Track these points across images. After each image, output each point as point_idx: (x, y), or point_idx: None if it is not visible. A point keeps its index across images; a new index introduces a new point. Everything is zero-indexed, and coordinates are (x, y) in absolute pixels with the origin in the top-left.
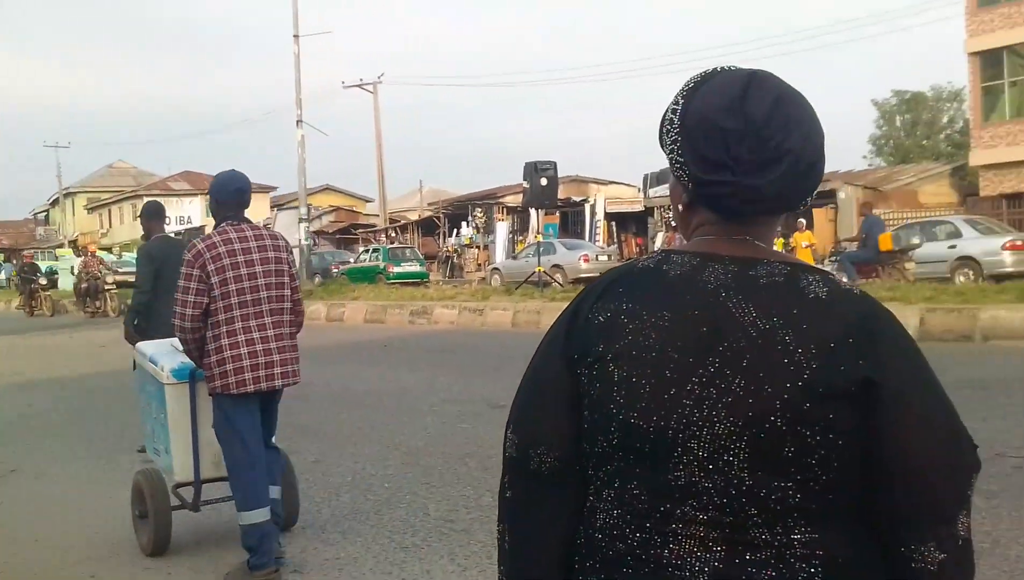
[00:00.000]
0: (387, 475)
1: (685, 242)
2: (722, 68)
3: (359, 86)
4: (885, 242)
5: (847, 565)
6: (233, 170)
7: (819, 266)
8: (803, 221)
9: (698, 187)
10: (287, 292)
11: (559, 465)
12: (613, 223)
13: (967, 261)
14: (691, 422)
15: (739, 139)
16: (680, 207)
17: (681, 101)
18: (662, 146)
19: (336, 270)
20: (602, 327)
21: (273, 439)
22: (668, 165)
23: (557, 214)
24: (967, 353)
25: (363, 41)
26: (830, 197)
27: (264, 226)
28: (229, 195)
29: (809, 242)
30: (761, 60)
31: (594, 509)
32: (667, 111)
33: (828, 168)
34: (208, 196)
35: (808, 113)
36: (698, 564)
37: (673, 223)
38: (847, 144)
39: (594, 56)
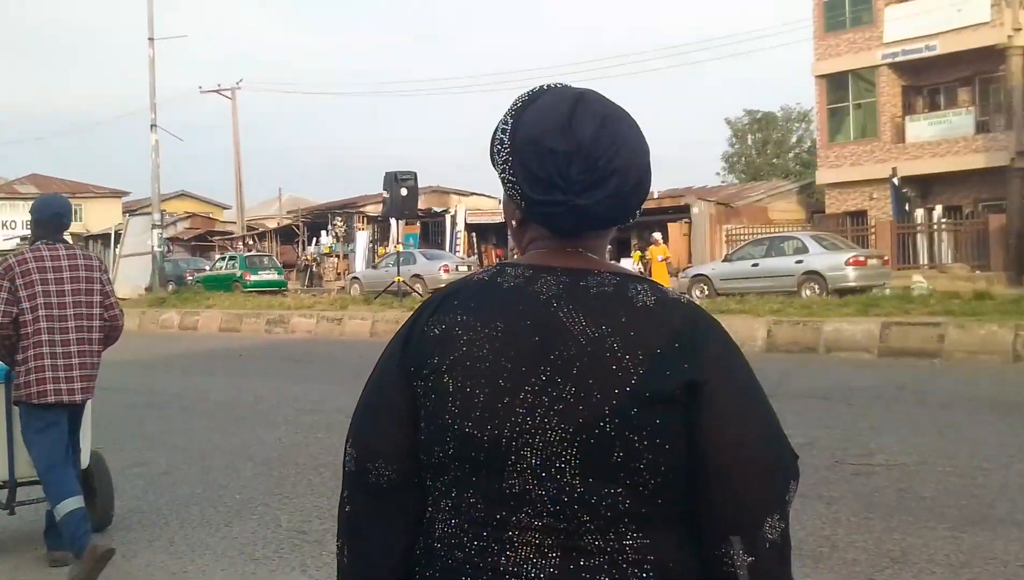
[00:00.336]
0: (239, 486)
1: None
2: (549, 87)
3: (217, 91)
4: None
5: (678, 569)
6: (55, 194)
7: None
8: (658, 235)
9: (531, 206)
10: (96, 310)
11: (398, 478)
12: (474, 234)
13: (813, 275)
14: (524, 430)
15: (568, 160)
16: (514, 223)
17: (510, 121)
18: (494, 165)
19: (191, 278)
20: (438, 339)
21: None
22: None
23: (418, 224)
24: (811, 364)
25: (222, 48)
26: (684, 212)
27: (79, 247)
28: (47, 217)
29: (664, 256)
30: (621, 76)
31: (432, 519)
32: (497, 130)
33: (683, 184)
34: (29, 216)
35: (634, 132)
36: (534, 571)
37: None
38: (702, 161)
39: (458, 67)
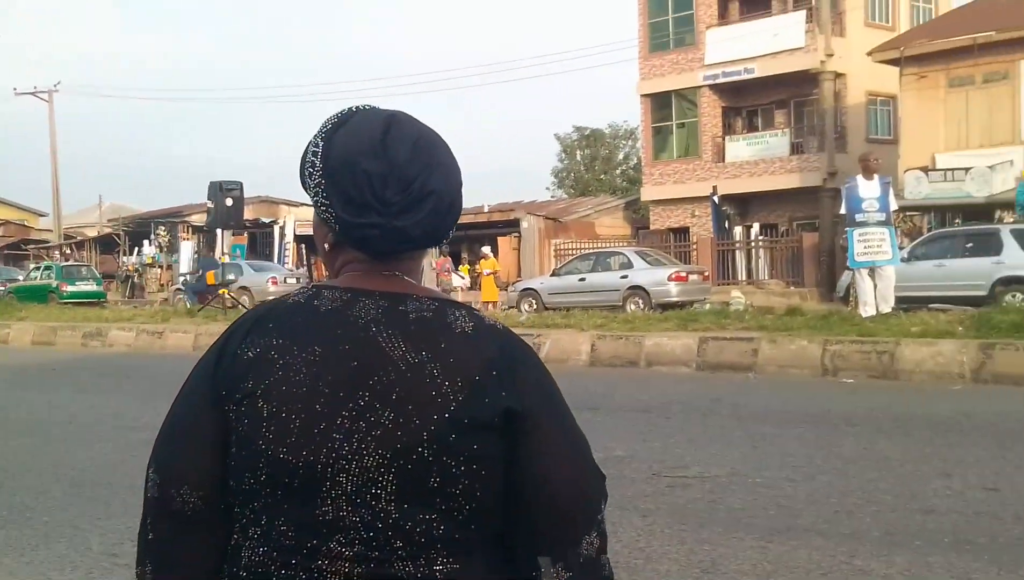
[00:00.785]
0: (48, 508)
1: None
2: (358, 108)
3: (33, 94)
4: (211, 278)
5: None
6: None
7: (501, 292)
8: (488, 249)
9: (345, 229)
10: None
11: (204, 505)
12: (303, 245)
13: (637, 290)
14: (340, 456)
15: (383, 181)
16: (326, 246)
17: (321, 143)
18: (305, 188)
19: (2, 288)
20: (251, 363)
21: None
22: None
23: (245, 235)
24: (633, 378)
25: (40, 49)
26: (514, 226)
27: None
28: None
29: (492, 270)
30: (453, 90)
31: (239, 547)
32: (307, 152)
33: (514, 198)
34: None
35: (446, 154)
36: None
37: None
38: (532, 175)
39: (287, 76)
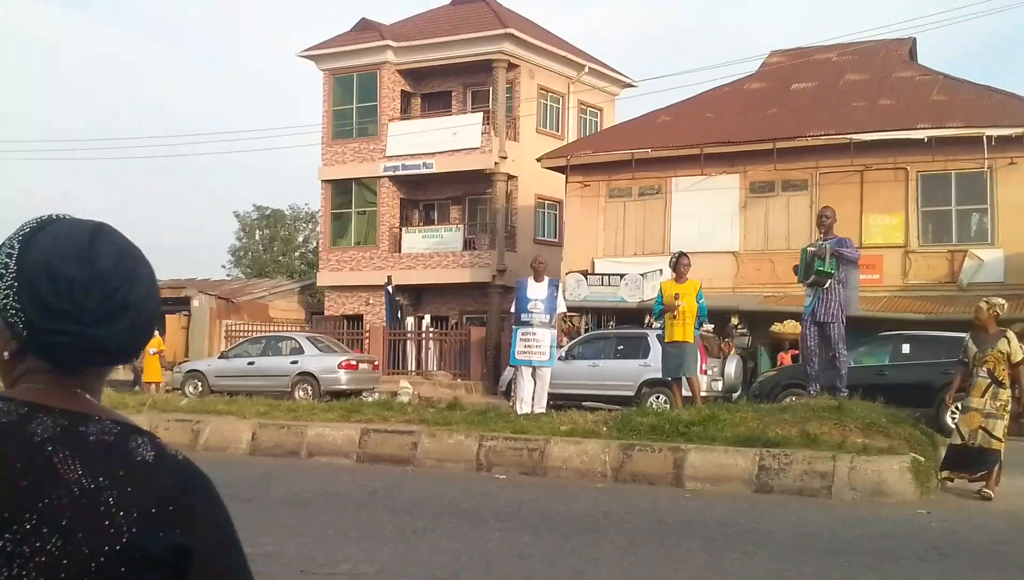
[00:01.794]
0: None
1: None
2: (59, 216)
3: None
4: None
5: None
6: None
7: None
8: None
9: (36, 335)
10: None
11: None
12: None
13: (307, 377)
14: None
15: (86, 289)
16: (6, 354)
17: (17, 245)
18: None
19: None
20: None
21: None
22: None
23: None
24: (293, 468)
25: None
26: (184, 304)
27: None
28: None
29: (158, 349)
30: (132, 159)
31: None
32: None
33: (186, 274)
34: None
35: (149, 268)
36: None
37: None
38: (207, 252)
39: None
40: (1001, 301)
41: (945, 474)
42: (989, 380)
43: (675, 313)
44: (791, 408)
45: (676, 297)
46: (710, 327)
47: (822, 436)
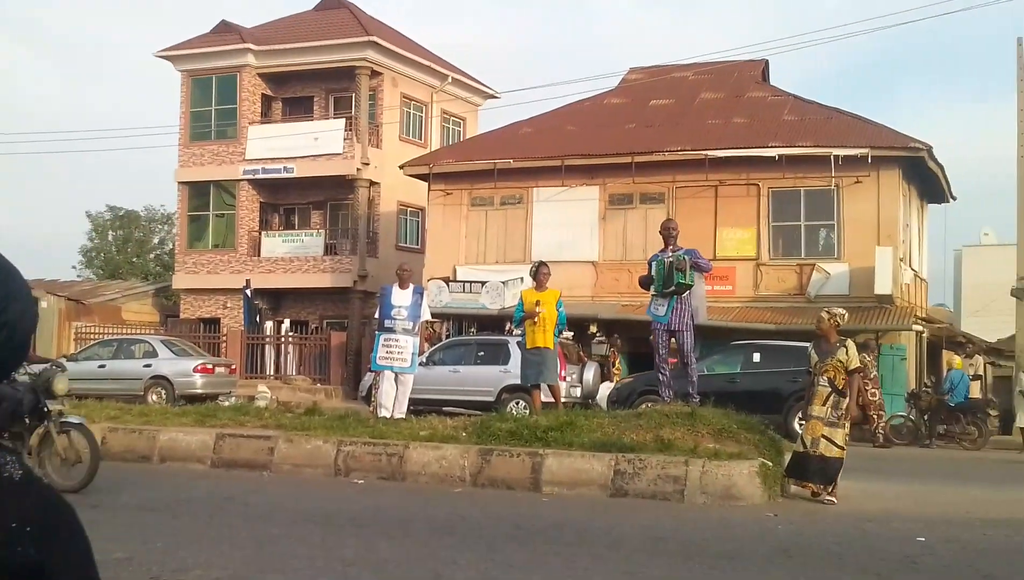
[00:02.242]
0: None
1: None
2: None
3: None
4: None
5: None
6: None
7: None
8: None
9: None
10: None
11: None
12: None
13: (161, 380)
14: None
15: None
16: None
17: None
18: None
19: None
20: None
21: None
22: None
23: None
24: (145, 474)
25: None
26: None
27: None
28: None
29: None
30: None
31: None
32: None
33: (34, 275)
34: None
35: (27, 289)
36: None
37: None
38: (58, 253)
39: None
40: (842, 311)
41: (790, 481)
42: (829, 389)
43: (535, 320)
44: (646, 414)
45: (537, 304)
46: (569, 335)
47: (675, 441)
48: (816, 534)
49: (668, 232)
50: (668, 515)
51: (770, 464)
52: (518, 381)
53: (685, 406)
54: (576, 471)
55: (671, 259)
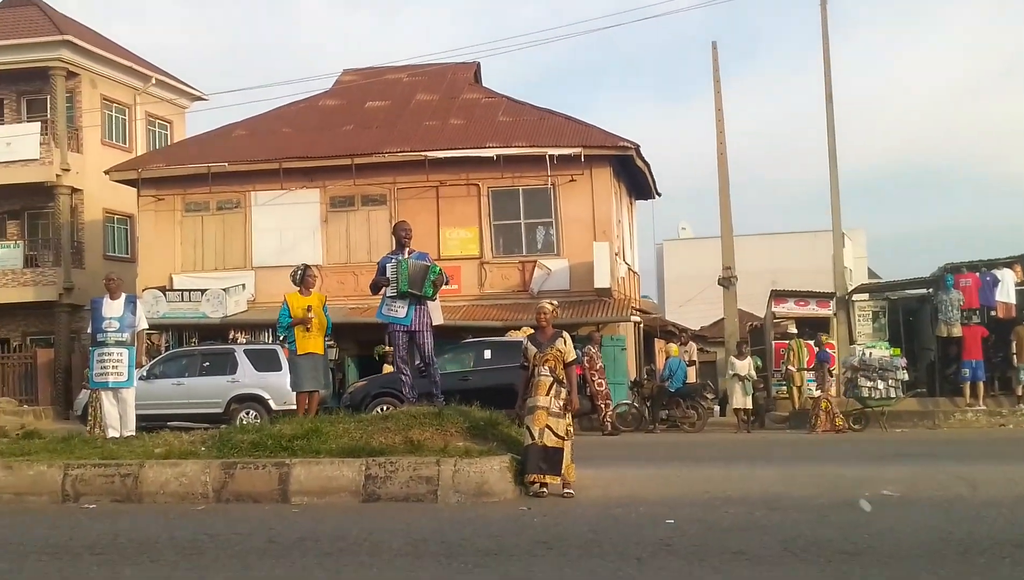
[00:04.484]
0: None
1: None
2: None
3: None
4: None
5: None
6: None
7: None
8: None
9: None
10: None
11: None
12: None
13: None
14: None
15: None
16: None
17: None
18: None
19: None
20: None
21: None
22: None
23: None
24: None
25: None
26: None
27: None
28: None
29: None
30: None
31: None
32: None
33: None
34: None
35: None
36: None
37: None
38: None
39: None
40: (555, 302)
41: (533, 478)
42: (551, 379)
43: (308, 326)
44: (393, 417)
45: (309, 309)
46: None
47: (425, 442)
48: (570, 524)
49: (402, 234)
50: (424, 516)
51: (519, 459)
52: (247, 390)
53: (432, 406)
54: (326, 479)
55: (416, 263)
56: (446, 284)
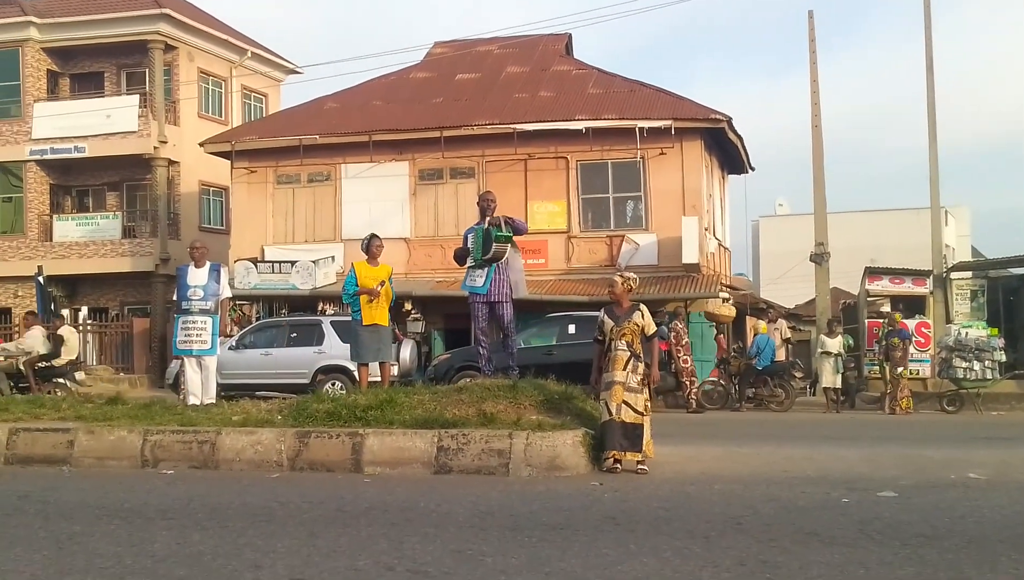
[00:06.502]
0: None
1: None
2: None
3: None
4: None
5: None
6: None
7: None
8: None
9: None
10: None
11: None
12: None
13: None
14: None
15: None
16: None
17: None
18: None
19: None
20: None
21: None
22: None
23: None
24: None
25: None
26: None
27: None
28: None
29: None
30: None
31: None
32: None
33: None
34: None
35: None
36: None
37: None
38: None
39: None
40: (633, 275)
41: (611, 454)
42: (628, 353)
43: (375, 297)
44: (467, 389)
45: (381, 284)
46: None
47: (498, 415)
48: (641, 500)
49: (486, 204)
50: (494, 489)
51: (592, 433)
52: (334, 361)
53: (506, 379)
54: (398, 449)
55: (483, 225)
56: (518, 230)
